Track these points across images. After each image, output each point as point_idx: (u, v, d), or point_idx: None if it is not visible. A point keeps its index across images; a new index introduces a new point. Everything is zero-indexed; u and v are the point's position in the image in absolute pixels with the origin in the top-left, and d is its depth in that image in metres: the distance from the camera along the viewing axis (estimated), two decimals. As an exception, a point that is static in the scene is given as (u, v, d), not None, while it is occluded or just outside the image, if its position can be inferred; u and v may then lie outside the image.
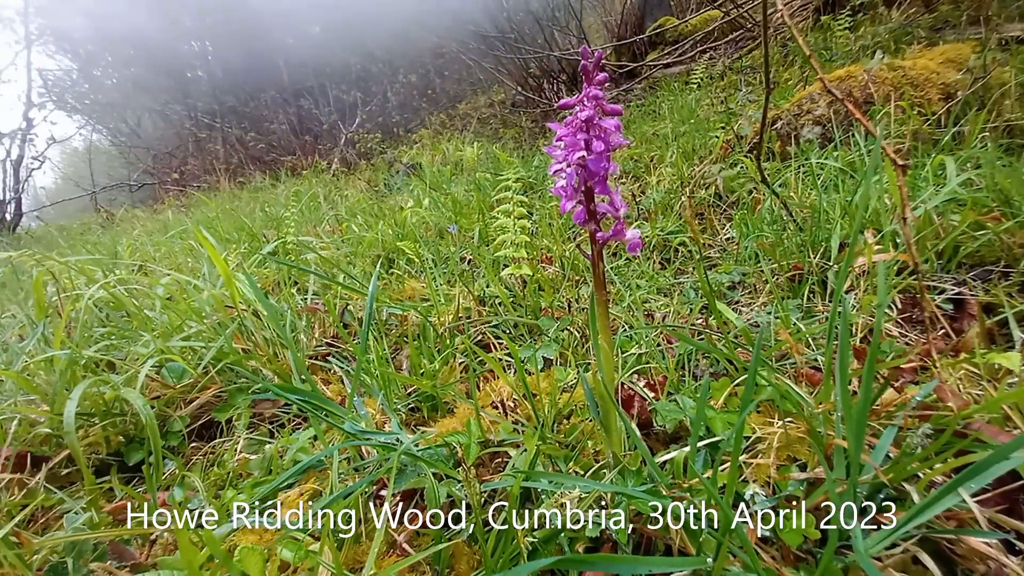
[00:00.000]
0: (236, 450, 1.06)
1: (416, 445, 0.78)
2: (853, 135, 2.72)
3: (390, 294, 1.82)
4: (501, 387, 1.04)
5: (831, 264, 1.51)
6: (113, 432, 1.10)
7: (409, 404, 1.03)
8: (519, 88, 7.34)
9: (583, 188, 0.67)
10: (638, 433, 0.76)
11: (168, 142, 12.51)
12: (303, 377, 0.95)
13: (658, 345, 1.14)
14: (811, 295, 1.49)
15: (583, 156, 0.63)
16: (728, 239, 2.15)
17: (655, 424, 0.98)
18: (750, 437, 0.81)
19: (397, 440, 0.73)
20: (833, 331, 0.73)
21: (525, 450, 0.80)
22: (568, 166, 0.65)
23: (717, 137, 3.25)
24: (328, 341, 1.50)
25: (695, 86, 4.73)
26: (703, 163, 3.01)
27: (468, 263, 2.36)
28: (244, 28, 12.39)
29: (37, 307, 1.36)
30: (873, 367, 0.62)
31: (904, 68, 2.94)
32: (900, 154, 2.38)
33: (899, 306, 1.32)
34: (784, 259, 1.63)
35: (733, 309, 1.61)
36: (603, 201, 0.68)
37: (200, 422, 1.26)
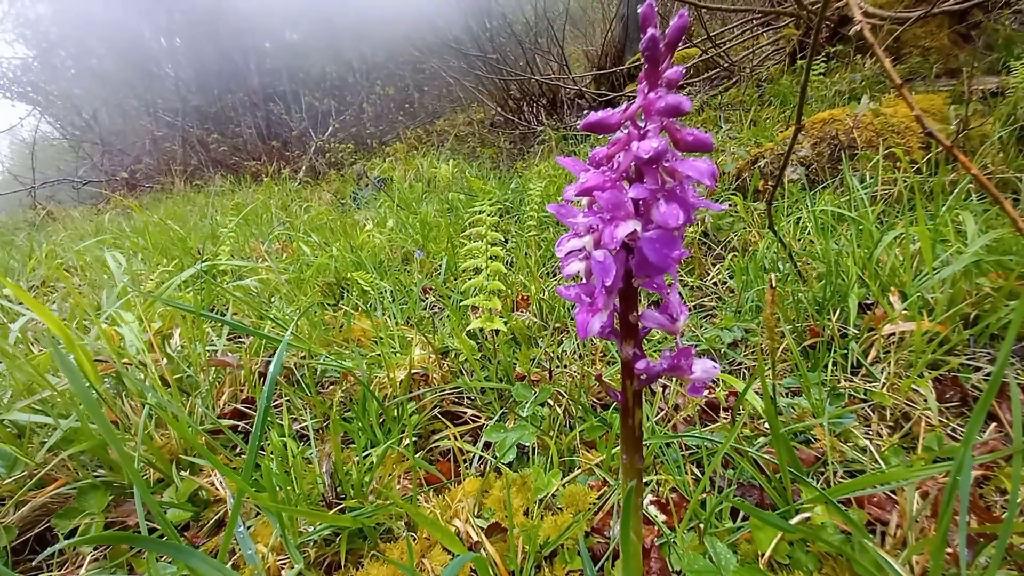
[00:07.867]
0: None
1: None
2: (831, 179, 2.67)
3: (332, 336, 1.50)
4: (459, 503, 0.76)
5: (849, 327, 1.32)
6: None
7: (324, 529, 0.73)
8: (499, 109, 7.23)
9: (620, 286, 0.36)
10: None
11: (124, 138, 11.72)
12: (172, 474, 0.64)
13: (666, 440, 0.88)
14: (828, 363, 1.29)
15: (635, 231, 0.32)
16: (722, 283, 1.96)
17: (669, 567, 0.72)
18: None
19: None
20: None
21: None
22: (598, 248, 0.32)
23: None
24: (240, 407, 1.17)
25: (675, 118, 4.68)
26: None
27: (430, 297, 2.07)
28: (218, 28, 11.91)
29: None
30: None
31: (886, 115, 2.93)
32: (888, 202, 2.30)
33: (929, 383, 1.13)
34: (795, 316, 1.44)
35: (735, 373, 1.40)
36: (650, 307, 0.38)
37: (40, 527, 0.91)
